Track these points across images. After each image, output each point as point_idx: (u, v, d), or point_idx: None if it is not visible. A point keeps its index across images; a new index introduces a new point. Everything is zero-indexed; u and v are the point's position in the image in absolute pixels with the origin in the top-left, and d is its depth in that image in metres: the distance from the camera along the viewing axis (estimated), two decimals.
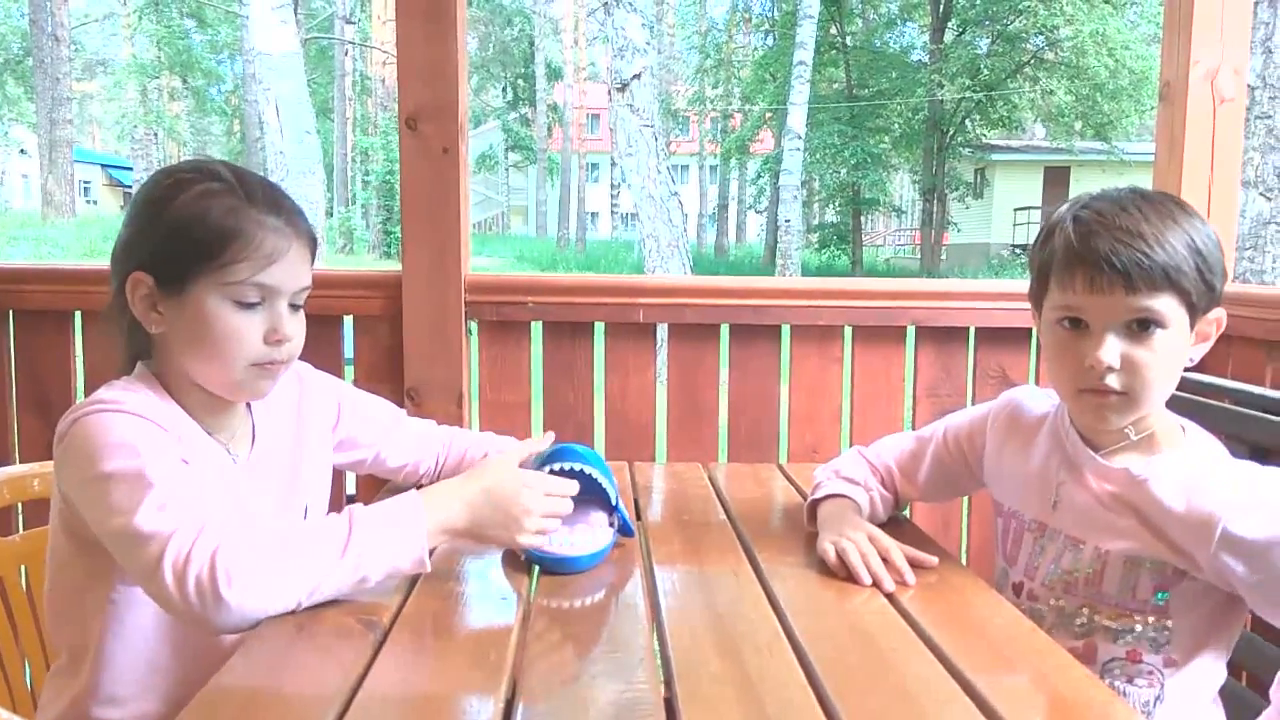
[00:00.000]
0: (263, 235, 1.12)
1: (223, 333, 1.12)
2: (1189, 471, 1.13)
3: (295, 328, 1.18)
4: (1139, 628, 1.15)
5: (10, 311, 2.00)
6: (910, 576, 1.12)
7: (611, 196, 33.84)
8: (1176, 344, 1.10)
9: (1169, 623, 1.14)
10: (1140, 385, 1.09)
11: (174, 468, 1.06)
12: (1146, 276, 1.06)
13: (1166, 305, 1.07)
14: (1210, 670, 1.17)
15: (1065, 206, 1.16)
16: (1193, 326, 1.11)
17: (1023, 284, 2.15)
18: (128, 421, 1.07)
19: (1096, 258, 1.07)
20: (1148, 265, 1.06)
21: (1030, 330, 1.99)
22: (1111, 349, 1.08)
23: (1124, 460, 1.17)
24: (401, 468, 1.50)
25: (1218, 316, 1.13)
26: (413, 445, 1.50)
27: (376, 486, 1.58)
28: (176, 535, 0.96)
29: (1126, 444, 1.16)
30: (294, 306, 1.19)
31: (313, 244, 1.21)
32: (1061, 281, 1.12)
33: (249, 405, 1.27)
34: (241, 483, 1.21)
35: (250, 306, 1.13)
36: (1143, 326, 1.08)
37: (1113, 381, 1.09)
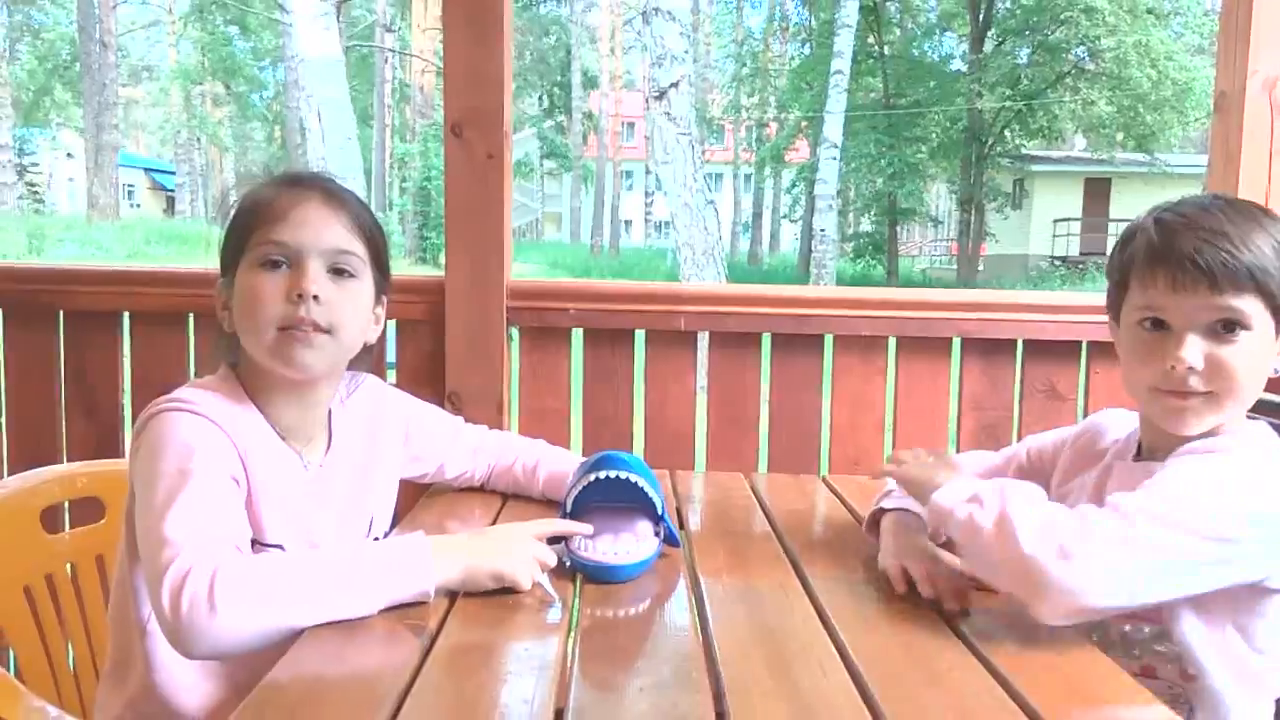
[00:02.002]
0: (274, 196, 1.17)
1: (250, 295, 1.15)
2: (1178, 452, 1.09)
3: (328, 290, 1.16)
4: (1146, 632, 1.10)
5: (59, 312, 2.03)
6: (969, 602, 1.08)
7: (646, 204, 33.89)
8: (1262, 348, 1.08)
9: (1171, 629, 1.08)
10: (1225, 386, 1.07)
11: (217, 482, 1.07)
12: (1231, 276, 1.04)
13: (1251, 306, 1.05)
14: (1244, 686, 1.09)
15: (1146, 212, 1.15)
16: (1277, 333, 1.08)
17: (1072, 296, 2.11)
18: (194, 423, 1.10)
19: (1180, 256, 1.06)
20: (1233, 264, 1.04)
21: (1081, 344, 1.95)
22: (1194, 349, 1.06)
23: (1151, 467, 1.12)
24: (459, 476, 1.54)
25: None
26: (471, 455, 1.54)
27: (416, 490, 1.58)
28: (186, 551, 0.96)
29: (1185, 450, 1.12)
30: (336, 272, 1.17)
31: (352, 210, 1.21)
32: (1143, 281, 1.11)
33: (329, 414, 1.29)
34: (310, 488, 1.22)
35: (275, 267, 1.15)
36: (1228, 328, 1.06)
37: (1195, 383, 1.07)
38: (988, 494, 1.02)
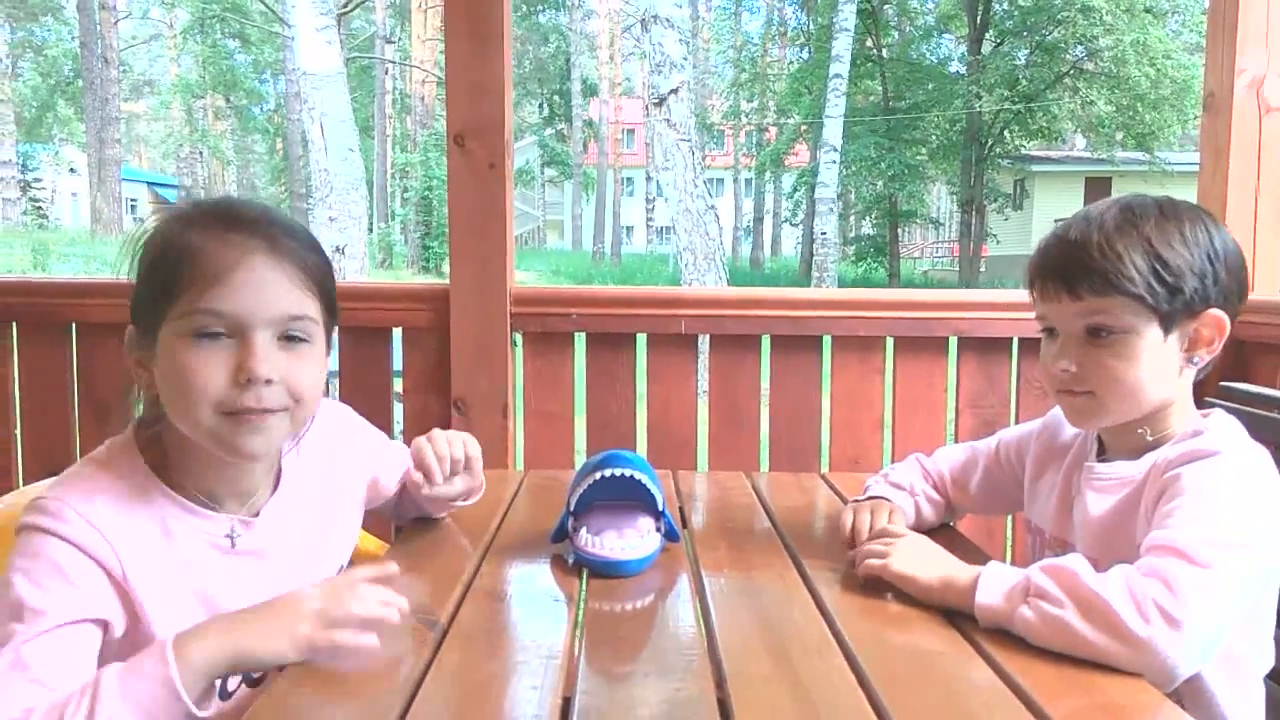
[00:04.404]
0: (208, 248, 0.96)
1: (184, 373, 0.95)
2: (1169, 462, 1.08)
3: (281, 367, 0.97)
4: None
5: (73, 324, 2.07)
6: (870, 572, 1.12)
7: (647, 210, 33.94)
8: (1146, 348, 1.10)
9: None
10: (1102, 387, 1.12)
11: (42, 642, 0.89)
12: (1088, 283, 1.10)
13: (1119, 308, 1.09)
14: (1230, 675, 1.09)
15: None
16: (1170, 331, 1.10)
17: None
18: (53, 557, 0.91)
19: (1045, 268, 1.15)
20: (1087, 274, 1.09)
21: None
22: (1066, 353, 1.13)
23: (1124, 468, 1.16)
24: (385, 502, 1.39)
25: (1215, 318, 1.11)
26: (398, 470, 1.36)
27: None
28: None
29: (1143, 447, 1.15)
30: (292, 339, 0.99)
31: (300, 257, 1.00)
32: (1029, 294, 1.19)
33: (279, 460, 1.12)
34: (243, 550, 1.05)
35: (213, 338, 0.95)
36: (1104, 332, 1.11)
37: (1075, 384, 1.13)
38: (1041, 582, 0.96)
